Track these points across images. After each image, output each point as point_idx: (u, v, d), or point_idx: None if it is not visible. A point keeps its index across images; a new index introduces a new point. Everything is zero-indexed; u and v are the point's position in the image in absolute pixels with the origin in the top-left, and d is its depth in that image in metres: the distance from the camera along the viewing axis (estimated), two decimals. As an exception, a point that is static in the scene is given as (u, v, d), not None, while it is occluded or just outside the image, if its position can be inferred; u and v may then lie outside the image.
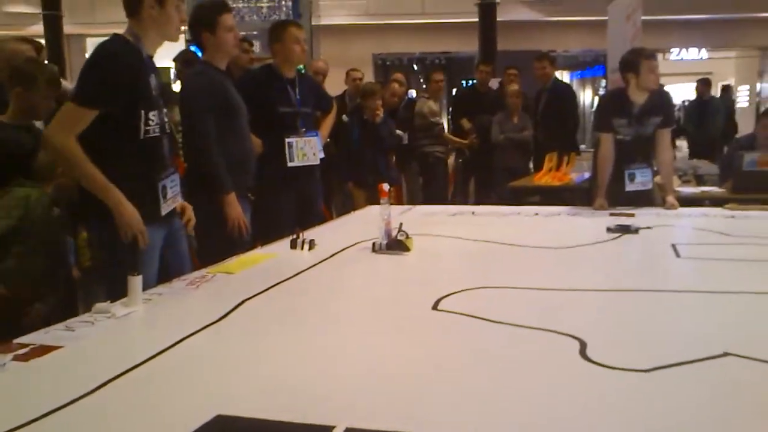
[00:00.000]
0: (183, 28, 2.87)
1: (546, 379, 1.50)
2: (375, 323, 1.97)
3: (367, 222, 3.01)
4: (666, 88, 4.31)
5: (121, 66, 2.49)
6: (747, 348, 1.61)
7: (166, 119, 2.71)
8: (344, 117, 5.79)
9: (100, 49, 2.55)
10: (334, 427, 1.24)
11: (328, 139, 5.60)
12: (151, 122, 2.58)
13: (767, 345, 1.65)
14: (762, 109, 12.41)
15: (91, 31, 12.07)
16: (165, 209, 2.68)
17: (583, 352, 1.62)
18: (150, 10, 2.55)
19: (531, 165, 6.72)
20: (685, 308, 2.07)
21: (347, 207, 5.43)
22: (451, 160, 7.09)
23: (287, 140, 3.85)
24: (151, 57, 2.64)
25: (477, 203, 6.05)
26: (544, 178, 5.44)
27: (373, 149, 5.57)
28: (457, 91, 7.08)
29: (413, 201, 6.10)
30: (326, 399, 1.40)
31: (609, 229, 3.18)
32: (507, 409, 1.35)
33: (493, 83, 7.29)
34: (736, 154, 4.50)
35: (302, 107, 3.96)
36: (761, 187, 4.25)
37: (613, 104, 3.92)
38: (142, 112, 2.54)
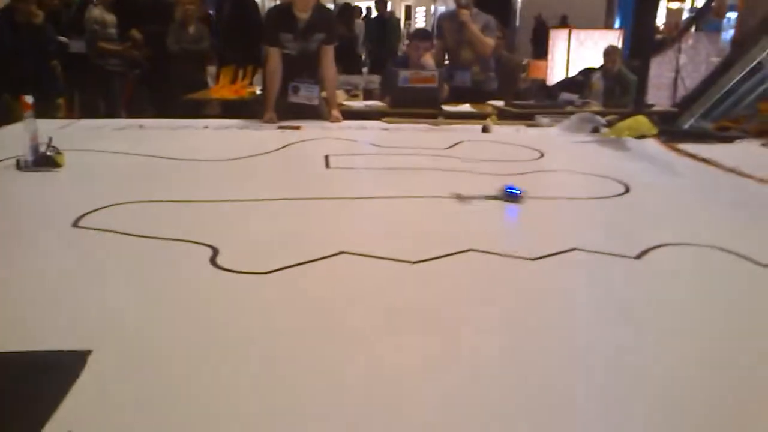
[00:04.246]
0: None
1: (178, 285, 1.58)
2: (8, 244, 1.86)
3: (19, 137, 2.76)
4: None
5: None
6: (358, 247, 1.81)
7: None
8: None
9: None
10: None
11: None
12: None
13: (376, 244, 1.86)
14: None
15: None
16: None
17: (213, 260, 1.70)
18: None
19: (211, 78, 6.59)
20: (315, 215, 2.25)
21: (5, 121, 4.90)
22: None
23: None
24: None
25: (153, 117, 5.83)
26: (220, 91, 5.41)
27: (32, 57, 5.04)
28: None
29: (87, 115, 5.69)
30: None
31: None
32: (142, 317, 1.39)
33: None
34: (392, 70, 4.87)
35: None
36: (414, 102, 4.67)
37: (279, 19, 3.98)
38: None
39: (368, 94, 5.75)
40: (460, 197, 2.34)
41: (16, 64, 4.97)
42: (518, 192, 2.33)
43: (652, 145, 3.51)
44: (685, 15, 11.27)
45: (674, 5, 11.42)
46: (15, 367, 1.19)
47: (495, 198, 2.33)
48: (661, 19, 10.96)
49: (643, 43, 4.41)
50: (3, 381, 1.15)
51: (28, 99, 2.68)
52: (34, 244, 1.88)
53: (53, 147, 2.72)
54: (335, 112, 4.14)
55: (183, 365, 1.21)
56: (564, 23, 11.42)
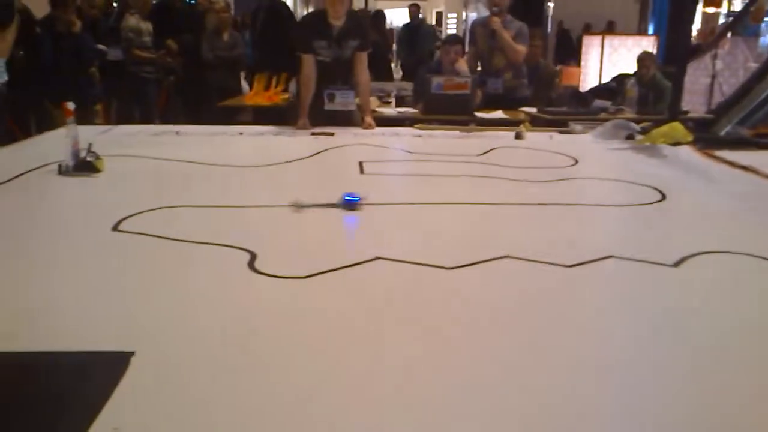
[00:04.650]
0: None
1: (217, 288, 1.60)
2: (50, 248, 1.90)
3: (60, 143, 2.82)
4: (388, 12, 4.48)
5: None
6: (394, 253, 1.82)
7: None
8: (38, 29, 5.27)
9: None
10: None
11: (21, 53, 5.09)
12: None
13: (412, 250, 1.87)
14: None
15: None
16: None
17: (251, 264, 1.72)
18: None
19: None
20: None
21: (47, 127, 5.02)
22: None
23: None
24: None
25: (187, 123, 5.91)
26: (255, 98, 5.47)
27: (71, 64, 5.16)
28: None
29: (123, 122, 5.79)
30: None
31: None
32: (183, 320, 1.41)
33: None
34: (425, 77, 4.89)
35: None
36: (446, 109, 4.68)
37: (313, 26, 4.02)
38: None
39: (400, 101, 5.78)
40: (296, 205, 2.25)
41: (57, 72, 5.09)
42: (356, 199, 2.24)
43: (688, 152, 3.47)
44: (722, 20, 11.12)
45: (710, 10, 11.27)
46: (63, 366, 1.22)
47: (333, 206, 2.25)
48: (696, 25, 10.83)
49: (679, 48, 4.36)
50: (52, 379, 1.18)
51: (70, 105, 2.74)
52: (77, 247, 1.92)
53: (93, 152, 2.77)
54: (368, 119, 4.16)
55: (223, 366, 1.23)
56: (587, 30, 11.34)
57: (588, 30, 11.31)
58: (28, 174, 2.73)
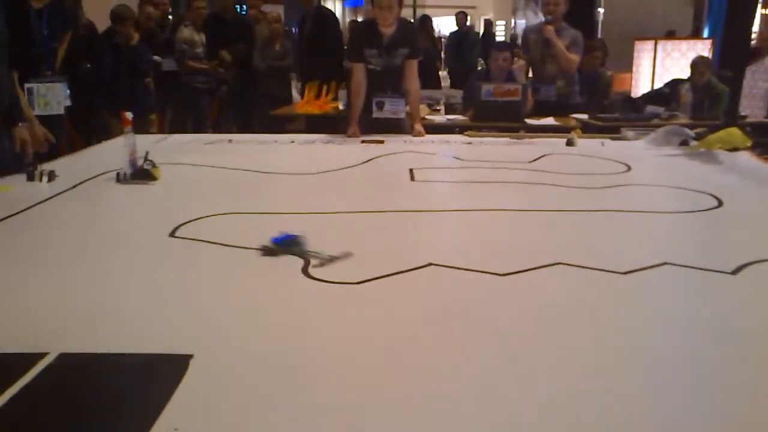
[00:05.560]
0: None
1: (272, 293, 1.63)
2: (110, 253, 1.95)
3: (118, 151, 2.91)
4: (435, 21, 4.50)
5: None
6: (447, 259, 1.82)
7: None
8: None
9: None
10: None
11: (88, 65, 5.26)
12: None
13: (464, 256, 1.88)
14: (518, 41, 13.30)
15: None
16: None
17: (305, 270, 1.74)
18: None
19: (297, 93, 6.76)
20: (403, 227, 2.27)
21: (105, 137, 5.16)
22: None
23: (27, 86, 3.49)
24: None
25: (239, 132, 6.01)
26: (305, 107, 5.53)
27: (129, 75, 5.31)
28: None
29: (176, 131, 5.92)
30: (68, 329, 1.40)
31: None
32: (239, 324, 1.44)
33: None
34: (475, 84, 4.88)
35: (49, 42, 3.59)
36: (496, 116, 4.67)
37: (363, 35, 4.06)
38: None
39: (450, 109, 5.78)
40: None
41: (115, 83, 5.25)
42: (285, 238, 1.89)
43: (746, 158, 3.39)
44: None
45: (769, 12, 10.96)
46: (125, 368, 1.25)
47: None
48: (755, 27, 10.55)
49: (737, 52, 4.26)
50: (115, 380, 1.22)
51: (128, 115, 2.81)
52: (136, 252, 1.97)
53: (150, 161, 2.84)
54: (418, 126, 4.17)
55: (277, 370, 1.25)
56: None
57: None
58: (87, 182, 2.82)
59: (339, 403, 1.14)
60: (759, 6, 10.26)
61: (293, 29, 8.24)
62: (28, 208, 2.40)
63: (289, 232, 1.92)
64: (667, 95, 5.96)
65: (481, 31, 15.25)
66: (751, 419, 1.11)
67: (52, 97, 3.50)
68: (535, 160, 3.38)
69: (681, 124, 4.21)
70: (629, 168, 3.19)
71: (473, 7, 19.33)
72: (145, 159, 2.84)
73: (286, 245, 1.87)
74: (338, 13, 11.17)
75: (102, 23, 5.61)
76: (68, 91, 3.63)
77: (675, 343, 1.39)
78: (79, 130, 5.13)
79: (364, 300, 1.58)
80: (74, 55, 4.83)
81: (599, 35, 12.51)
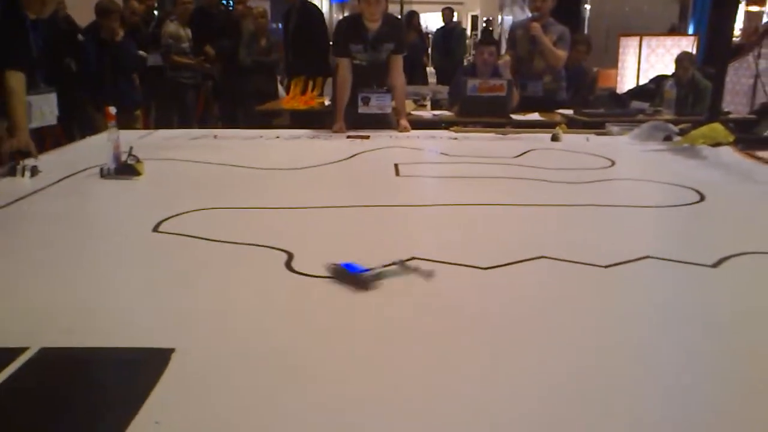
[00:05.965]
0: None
1: (255, 287, 1.63)
2: (93, 248, 1.95)
3: (102, 147, 2.89)
4: (423, 17, 4.49)
5: None
6: (430, 253, 1.83)
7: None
8: (79, 36, 5.41)
9: None
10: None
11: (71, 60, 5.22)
12: None
13: (448, 251, 1.88)
14: (504, 37, 13.30)
15: None
16: None
17: (288, 264, 1.74)
18: None
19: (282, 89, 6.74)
20: (388, 221, 2.27)
21: (89, 132, 5.13)
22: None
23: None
24: None
25: (225, 127, 6.00)
26: (291, 102, 5.52)
27: (113, 70, 5.28)
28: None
29: (162, 126, 5.90)
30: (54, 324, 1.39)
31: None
32: (221, 318, 1.44)
33: None
34: (461, 80, 4.88)
35: (43, 52, 3.54)
36: (482, 111, 4.68)
37: (349, 30, 4.05)
38: None
39: (436, 104, 5.78)
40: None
41: (100, 78, 5.21)
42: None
43: (729, 153, 3.42)
44: (765, 18, 10.88)
45: (754, 9, 11.04)
46: (106, 362, 1.25)
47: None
48: (737, 24, 10.61)
49: (720, 48, 4.28)
50: (96, 374, 1.22)
51: (112, 110, 2.80)
52: (119, 247, 1.96)
53: (134, 156, 2.83)
54: (404, 122, 4.17)
55: (259, 363, 1.25)
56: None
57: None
58: (71, 177, 2.80)
59: (322, 398, 1.14)
60: (743, 3, 10.34)
61: (278, 25, 8.21)
62: (10, 204, 2.38)
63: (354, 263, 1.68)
64: (651, 91, 6.00)
65: (469, 29, 15.27)
66: (734, 409, 1.12)
67: (47, 107, 3.49)
68: (521, 155, 3.39)
69: (665, 120, 4.24)
70: (613, 163, 3.21)
71: (460, 3, 19.39)
72: (129, 154, 2.83)
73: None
74: (325, 10, 11.16)
75: (86, 17, 5.57)
76: (56, 102, 3.60)
77: (657, 334, 1.41)
78: (63, 125, 5.08)
79: (347, 294, 1.58)
80: (56, 51, 4.80)
81: (585, 31, 12.56)
